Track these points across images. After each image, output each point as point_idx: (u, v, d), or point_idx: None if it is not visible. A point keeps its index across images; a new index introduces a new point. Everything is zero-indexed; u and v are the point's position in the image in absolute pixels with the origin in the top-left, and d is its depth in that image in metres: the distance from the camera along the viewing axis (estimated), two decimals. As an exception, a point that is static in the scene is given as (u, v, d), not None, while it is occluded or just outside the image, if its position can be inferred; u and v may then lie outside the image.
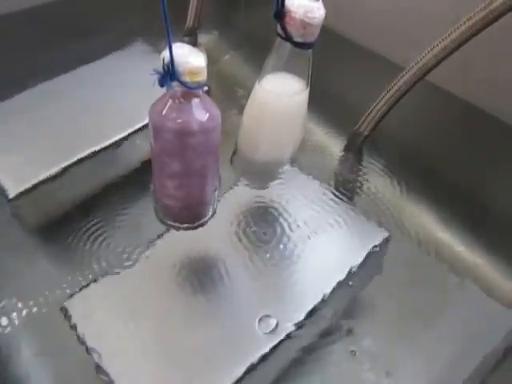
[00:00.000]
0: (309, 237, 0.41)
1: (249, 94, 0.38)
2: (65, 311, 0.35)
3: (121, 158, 0.47)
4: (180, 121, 0.30)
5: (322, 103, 0.46)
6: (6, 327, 0.35)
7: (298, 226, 0.42)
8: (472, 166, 0.49)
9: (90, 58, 0.55)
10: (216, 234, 0.40)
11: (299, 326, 0.36)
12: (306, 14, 0.30)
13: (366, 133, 0.48)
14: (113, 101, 0.51)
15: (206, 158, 0.32)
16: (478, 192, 0.47)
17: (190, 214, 0.37)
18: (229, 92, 0.55)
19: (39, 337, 0.35)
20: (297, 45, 0.32)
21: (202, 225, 0.38)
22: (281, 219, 0.42)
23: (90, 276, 0.37)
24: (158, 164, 0.33)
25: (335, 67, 0.56)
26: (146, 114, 0.31)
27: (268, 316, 0.36)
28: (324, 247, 0.41)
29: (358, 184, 0.47)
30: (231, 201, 0.43)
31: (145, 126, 0.47)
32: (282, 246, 0.40)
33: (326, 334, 0.36)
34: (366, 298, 0.39)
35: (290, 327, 0.35)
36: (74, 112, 0.49)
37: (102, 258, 0.38)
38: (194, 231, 0.37)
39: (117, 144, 0.47)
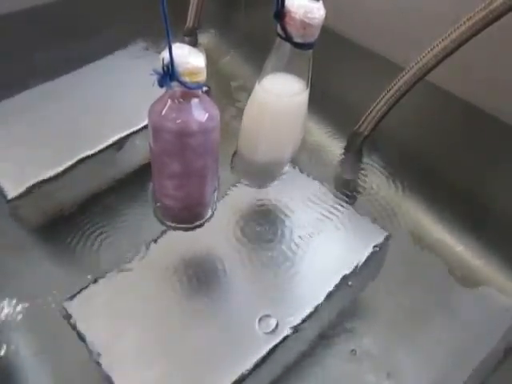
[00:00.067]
0: (309, 237, 0.41)
1: (249, 95, 0.38)
2: (64, 311, 0.35)
3: (121, 159, 0.47)
4: (179, 121, 0.30)
5: (322, 103, 0.46)
6: (5, 327, 0.35)
7: (298, 226, 0.42)
8: (472, 166, 0.49)
9: (90, 58, 0.55)
10: (216, 234, 0.40)
11: (299, 325, 0.36)
12: (306, 15, 0.30)
13: (366, 133, 0.48)
14: (113, 101, 0.51)
15: (206, 158, 0.32)
16: (477, 192, 0.47)
17: (190, 215, 0.37)
18: (229, 92, 0.55)
19: (39, 337, 0.35)
20: (297, 45, 0.32)
21: (201, 225, 0.38)
22: (281, 219, 0.42)
23: (90, 276, 0.37)
24: (157, 164, 0.33)
25: (335, 67, 0.56)
26: (146, 114, 0.31)
27: (268, 316, 0.36)
28: (324, 247, 0.41)
29: (358, 184, 0.47)
30: (231, 201, 0.43)
31: (145, 127, 0.47)
32: (281, 246, 0.40)
33: (326, 334, 0.36)
34: (366, 297, 0.39)
35: (290, 327, 0.35)
36: (74, 112, 0.49)
37: (102, 259, 0.38)
38: (194, 231, 0.37)
39: (117, 144, 0.47)
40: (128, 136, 0.48)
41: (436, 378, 0.35)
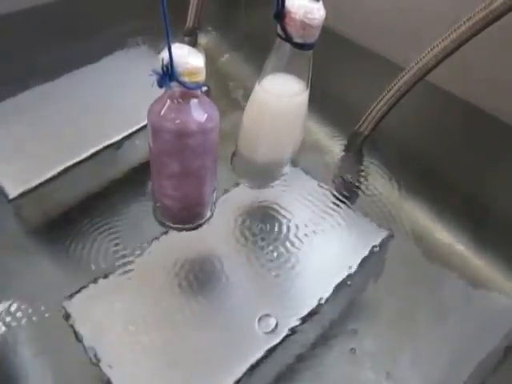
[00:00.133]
0: (309, 237, 0.41)
1: (249, 95, 0.38)
2: (64, 311, 0.35)
3: (121, 159, 0.47)
4: (178, 121, 0.30)
5: (322, 103, 0.46)
6: (5, 327, 0.35)
7: (298, 226, 0.42)
8: (472, 166, 0.49)
9: (90, 58, 0.55)
10: (215, 235, 0.40)
11: (299, 325, 0.36)
12: (306, 15, 0.30)
13: (366, 133, 0.48)
14: (113, 101, 0.51)
15: (205, 158, 0.32)
16: (478, 192, 0.47)
17: (189, 215, 0.37)
18: (229, 92, 0.55)
19: (39, 337, 0.35)
20: (297, 46, 0.32)
21: (200, 225, 0.38)
22: (281, 219, 0.42)
23: (90, 276, 0.37)
24: (156, 164, 0.33)
25: (335, 67, 0.56)
26: (146, 114, 0.31)
27: (268, 315, 0.36)
28: (324, 247, 0.41)
29: (358, 184, 0.47)
30: (231, 201, 0.43)
31: (145, 127, 0.47)
32: (281, 246, 0.40)
33: (326, 334, 0.36)
34: (366, 297, 0.39)
35: (289, 327, 0.35)
36: (74, 112, 0.49)
37: (102, 259, 0.38)
38: (194, 231, 0.37)
39: (117, 144, 0.47)
40: (128, 136, 0.48)
41: (436, 377, 0.35)
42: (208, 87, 0.52)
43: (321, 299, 0.37)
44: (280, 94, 0.36)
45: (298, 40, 0.32)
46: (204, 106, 0.30)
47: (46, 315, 0.35)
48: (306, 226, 0.42)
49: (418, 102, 0.49)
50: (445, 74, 0.44)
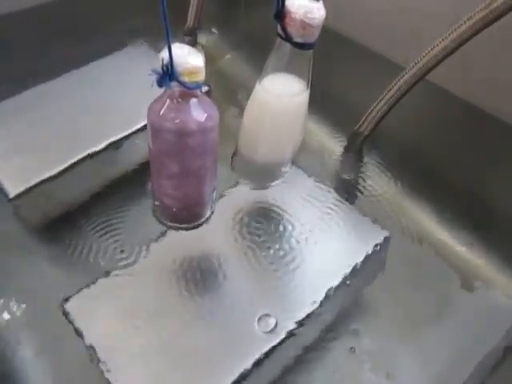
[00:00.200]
0: (308, 236, 0.41)
1: (249, 95, 0.38)
2: (64, 311, 0.35)
3: (120, 158, 0.47)
4: (178, 121, 0.30)
5: (322, 103, 0.46)
6: (5, 327, 0.35)
7: (298, 226, 0.42)
8: (472, 166, 0.49)
9: (90, 58, 0.55)
10: (215, 234, 0.40)
11: (298, 325, 0.36)
12: (306, 15, 0.30)
13: (366, 133, 0.48)
14: (113, 101, 0.51)
15: (204, 158, 0.32)
16: (478, 192, 0.47)
17: (189, 214, 0.37)
18: (229, 92, 0.55)
19: (39, 336, 0.35)
20: (297, 45, 0.32)
21: (200, 225, 0.38)
22: (281, 219, 0.42)
23: (90, 276, 0.37)
24: (156, 164, 0.33)
25: (335, 67, 0.56)
26: (146, 113, 0.31)
27: (267, 315, 0.36)
28: (324, 247, 0.41)
29: (359, 184, 0.47)
30: (231, 201, 0.43)
31: (145, 127, 0.47)
32: (281, 246, 0.40)
33: (326, 334, 0.36)
34: (366, 297, 0.39)
35: (289, 326, 0.35)
36: (73, 112, 0.49)
37: (102, 258, 0.38)
38: (193, 231, 0.37)
39: (117, 144, 0.47)
40: (128, 136, 0.48)
41: (436, 377, 0.35)
42: (209, 87, 0.52)
43: (320, 299, 0.37)
44: (280, 94, 0.36)
45: (298, 40, 0.32)
46: (204, 105, 0.30)
47: (46, 315, 0.35)
48: (306, 225, 0.42)
49: (419, 102, 0.49)
50: (445, 73, 0.44)
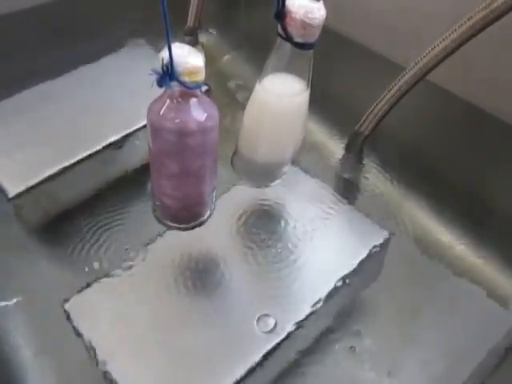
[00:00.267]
0: (308, 236, 0.41)
1: (249, 95, 0.38)
2: (65, 311, 0.35)
3: (120, 158, 0.47)
4: (178, 121, 0.30)
5: (322, 103, 0.46)
6: (6, 327, 0.35)
7: (298, 226, 0.42)
8: (472, 166, 0.49)
9: (90, 57, 0.55)
10: (215, 234, 0.40)
11: (298, 325, 0.36)
12: (306, 15, 0.30)
13: (366, 132, 0.48)
14: (113, 101, 0.51)
15: (204, 157, 0.32)
16: (478, 192, 0.47)
17: (189, 214, 0.37)
18: (229, 92, 0.55)
19: (39, 336, 0.35)
20: (297, 45, 0.32)
21: (200, 225, 0.38)
22: (281, 219, 0.42)
23: (90, 276, 0.37)
24: (156, 164, 0.33)
25: (336, 67, 0.56)
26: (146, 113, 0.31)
27: (267, 315, 0.36)
28: (324, 247, 0.41)
29: (359, 184, 0.47)
30: (231, 201, 0.43)
31: (145, 127, 0.47)
32: (281, 246, 0.40)
33: (326, 334, 0.36)
34: (367, 297, 0.39)
35: (288, 327, 0.35)
36: (74, 112, 0.49)
37: (102, 258, 0.38)
38: (193, 231, 0.37)
39: (116, 144, 0.47)
40: (128, 136, 0.48)
41: (436, 377, 0.35)
42: (209, 87, 0.52)
43: (320, 299, 0.37)
44: (280, 94, 0.36)
45: (298, 40, 0.32)
46: (204, 105, 0.30)
47: (47, 315, 0.35)
48: (306, 225, 0.42)
49: (419, 102, 0.49)
50: (445, 73, 0.44)
